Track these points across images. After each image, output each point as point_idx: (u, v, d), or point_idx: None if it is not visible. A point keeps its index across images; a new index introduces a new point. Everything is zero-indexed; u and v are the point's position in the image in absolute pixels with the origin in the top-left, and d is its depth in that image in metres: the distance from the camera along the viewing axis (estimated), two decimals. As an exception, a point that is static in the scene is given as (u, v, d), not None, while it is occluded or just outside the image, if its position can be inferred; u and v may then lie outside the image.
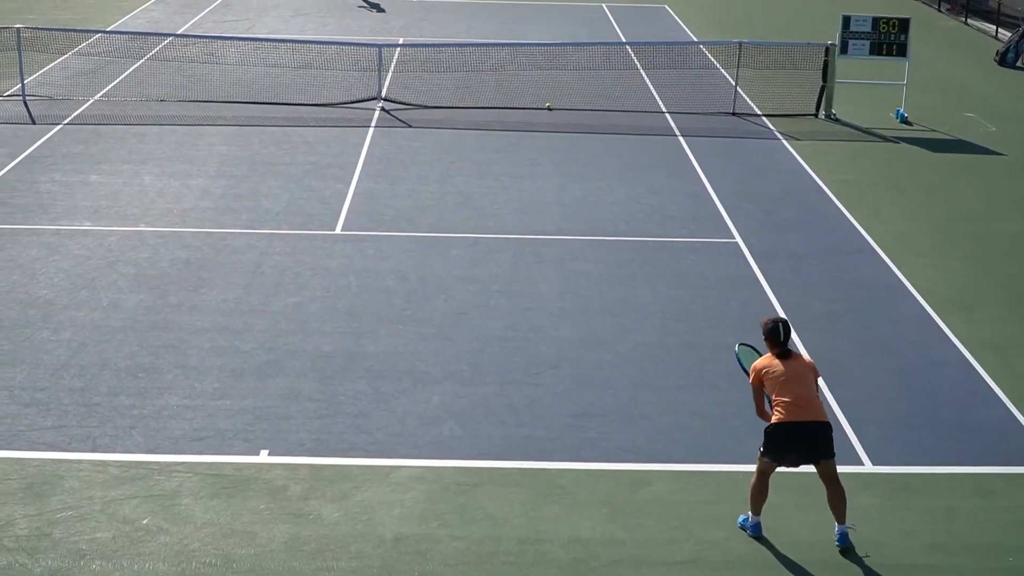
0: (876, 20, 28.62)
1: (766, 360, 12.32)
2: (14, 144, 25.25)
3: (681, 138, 26.81)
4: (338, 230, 20.71)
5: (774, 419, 12.16)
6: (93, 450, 13.81)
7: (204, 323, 17.08)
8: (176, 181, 23.09)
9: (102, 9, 41.56)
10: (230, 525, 12.48)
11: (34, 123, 26.91)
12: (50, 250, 19.55)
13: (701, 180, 23.82)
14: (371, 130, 26.89)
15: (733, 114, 28.87)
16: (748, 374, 12.47)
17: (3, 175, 23.21)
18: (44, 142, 25.45)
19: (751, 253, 20.02)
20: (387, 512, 12.73)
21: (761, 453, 12.33)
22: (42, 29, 33.03)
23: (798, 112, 28.99)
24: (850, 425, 14.65)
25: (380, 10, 42.74)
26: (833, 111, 28.88)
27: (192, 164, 24.17)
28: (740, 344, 13.00)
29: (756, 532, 12.56)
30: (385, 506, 12.84)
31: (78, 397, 14.98)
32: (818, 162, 25.21)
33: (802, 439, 12.13)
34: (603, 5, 44.49)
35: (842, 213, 22.13)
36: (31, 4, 42.28)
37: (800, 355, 12.48)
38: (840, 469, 13.21)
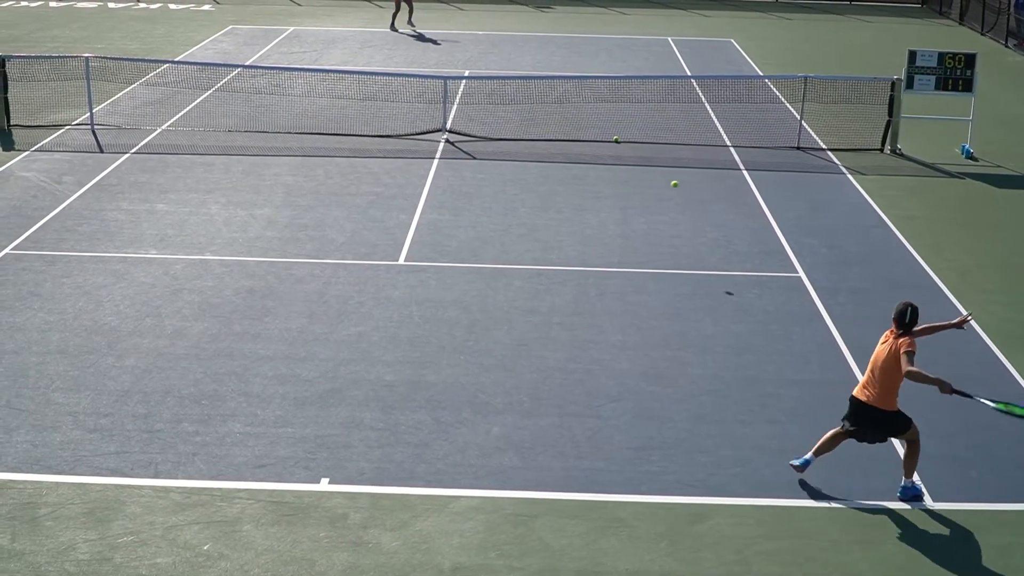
0: (942, 55, 28.48)
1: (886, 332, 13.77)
2: (82, 172, 25.57)
3: (745, 172, 26.78)
4: (401, 260, 20.82)
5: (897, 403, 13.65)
6: (155, 476, 13.95)
7: (267, 351, 17.21)
8: (242, 211, 23.30)
9: (171, 40, 42.03)
10: (290, 552, 12.55)
11: (102, 152, 27.24)
12: (116, 277, 19.77)
13: (765, 214, 23.77)
14: (435, 162, 27.03)
15: (798, 148, 28.80)
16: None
17: (71, 203, 23.51)
18: (112, 171, 25.75)
19: (814, 288, 19.96)
20: (446, 542, 12.77)
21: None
22: (111, 59, 33.43)
23: (863, 147, 28.88)
24: (912, 461, 14.56)
25: (423, 38, 42.96)
26: (898, 146, 28.75)
27: (258, 194, 24.39)
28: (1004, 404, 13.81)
29: (917, 492, 13.82)
30: (444, 536, 12.88)
31: (141, 423, 15.13)
32: (882, 197, 25.10)
33: (855, 412, 13.95)
34: (668, 38, 44.54)
35: (906, 248, 22.02)
36: (100, 34, 42.83)
37: (904, 339, 13.53)
38: (899, 505, 13.24)
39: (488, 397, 16.02)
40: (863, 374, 16.67)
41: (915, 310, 13.54)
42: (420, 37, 43.68)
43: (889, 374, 13.40)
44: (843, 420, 13.96)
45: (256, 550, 12.59)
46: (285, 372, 16.60)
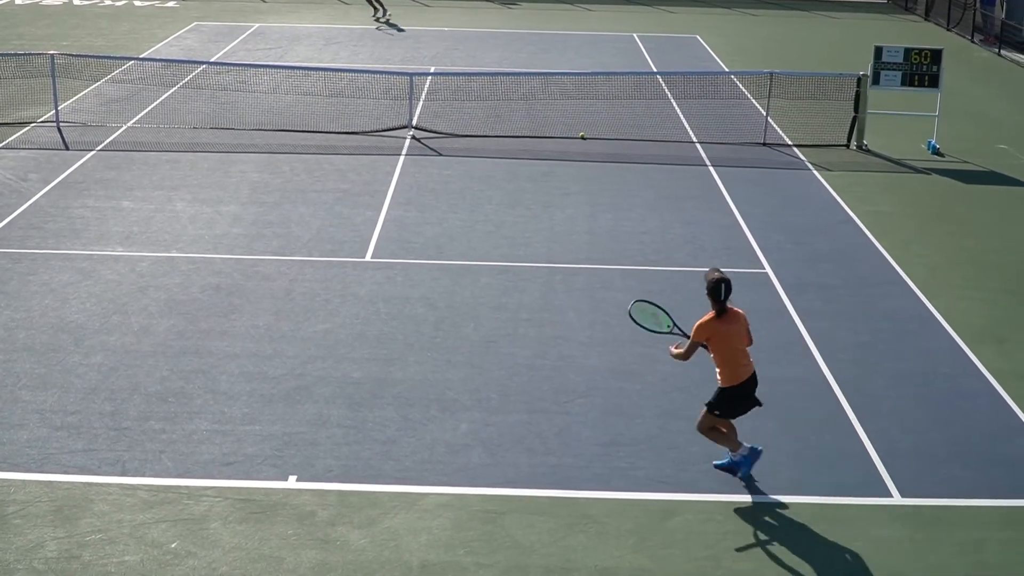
0: (908, 51, 28.58)
1: (711, 321, 13.45)
2: (47, 170, 25.41)
3: (712, 168, 26.80)
4: (368, 258, 20.76)
5: (726, 381, 13.53)
6: (123, 474, 13.86)
7: (234, 349, 17.13)
8: (208, 208, 23.19)
9: (136, 37, 41.85)
10: (258, 550, 12.49)
11: (67, 149, 27.08)
12: (82, 275, 19.65)
13: (732, 210, 23.80)
14: (402, 158, 26.97)
15: (764, 144, 28.85)
16: (651, 330, 13.84)
17: (36, 200, 23.35)
18: (77, 168, 25.61)
19: (781, 284, 19.99)
20: (414, 539, 12.73)
21: (716, 415, 13.60)
22: (76, 56, 33.26)
23: (830, 143, 28.96)
24: (879, 457, 14.58)
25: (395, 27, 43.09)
26: (865, 142, 28.83)
27: (224, 191, 24.28)
28: (636, 301, 13.96)
29: (748, 464, 13.72)
30: (412, 533, 12.84)
31: (108, 421, 15.03)
32: (849, 193, 25.16)
33: (747, 394, 13.63)
34: (634, 35, 44.57)
35: (873, 244, 22.07)
36: (65, 31, 42.61)
37: (735, 311, 13.65)
38: (869, 501, 13.23)
39: (456, 394, 15.98)
40: (829, 371, 16.79)
41: (728, 282, 13.45)
42: (388, 33, 43.60)
43: (744, 345, 13.73)
44: (722, 413, 13.78)
45: (224, 548, 12.52)
46: (252, 369, 16.53)
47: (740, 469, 13.88)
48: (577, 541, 12.79)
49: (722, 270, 13.65)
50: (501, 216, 23.12)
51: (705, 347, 13.55)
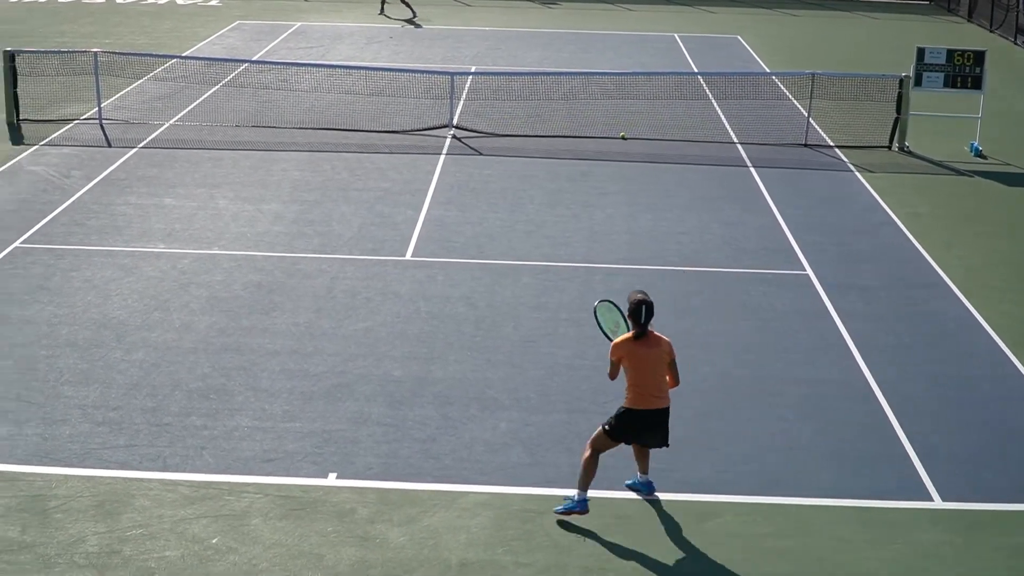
0: (951, 52, 28.45)
1: (627, 341, 12.89)
2: (90, 167, 25.59)
3: (752, 169, 26.76)
4: (408, 256, 20.81)
5: (628, 403, 12.92)
6: (164, 469, 13.95)
7: (275, 346, 17.21)
8: (250, 205, 23.30)
9: (179, 35, 42.07)
10: (297, 547, 12.55)
11: (110, 146, 27.26)
12: (124, 271, 19.78)
13: (772, 211, 23.75)
14: (442, 157, 27.03)
15: (805, 145, 28.77)
16: (605, 333, 13.30)
17: (80, 197, 23.52)
18: (120, 165, 25.77)
19: (822, 285, 19.94)
20: (453, 538, 12.76)
21: (606, 431, 13.02)
22: (119, 54, 33.45)
23: (871, 144, 28.86)
24: (919, 459, 14.53)
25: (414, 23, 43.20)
26: (907, 143, 28.72)
27: (266, 189, 24.39)
28: (601, 300, 13.57)
29: (584, 507, 13.03)
30: (451, 531, 12.87)
31: (150, 417, 15.14)
32: (891, 194, 25.07)
33: (649, 425, 12.95)
34: (675, 35, 44.52)
35: (914, 246, 21.99)
36: (108, 29, 42.86)
37: (658, 336, 13.01)
38: (908, 504, 13.19)
39: (495, 393, 16.01)
40: (869, 373, 16.74)
41: (650, 305, 12.84)
42: (419, 31, 43.69)
43: (663, 376, 12.98)
44: (613, 436, 13.03)
45: (264, 544, 12.59)
46: (293, 367, 16.60)
47: (574, 506, 13.05)
48: (615, 542, 12.79)
49: (646, 293, 12.94)
50: (541, 216, 23.14)
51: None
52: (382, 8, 47.77)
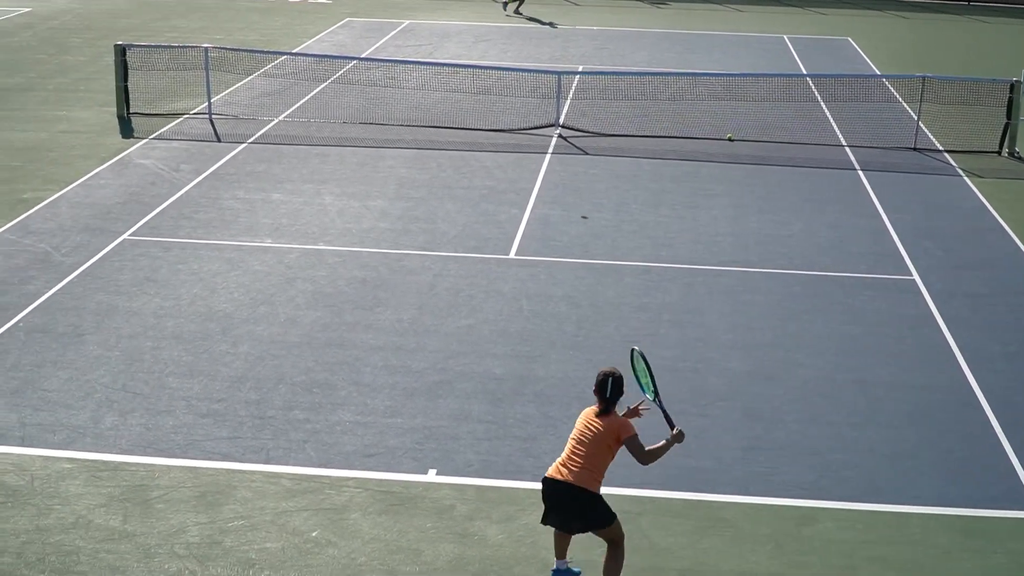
0: (1065, 57, 28.03)
1: (587, 410, 11.61)
2: (200, 161, 25.92)
3: (860, 172, 26.51)
4: (512, 255, 20.86)
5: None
6: (266, 462, 14.11)
7: (378, 342, 17.34)
8: (356, 202, 23.48)
9: (288, 32, 42.47)
10: (396, 542, 12.64)
11: (219, 141, 27.59)
12: (231, 265, 20.02)
13: (880, 215, 23.51)
14: (548, 156, 27.06)
15: (915, 149, 28.45)
16: (637, 380, 11.84)
17: (188, 191, 23.83)
18: (228, 160, 26.08)
19: (928, 291, 19.71)
20: (550, 537, 12.74)
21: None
22: (229, 49, 33.86)
23: (981, 149, 28.47)
24: (1025, 470, 14.37)
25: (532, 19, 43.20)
26: (1017, 149, 28.31)
27: (372, 185, 24.57)
28: (639, 351, 11.91)
29: None
30: (548, 530, 12.84)
31: (253, 410, 15.31)
32: (1000, 200, 24.73)
33: (552, 499, 11.43)
34: (784, 36, 44.21)
35: (1023, 253, 21.66)
36: (219, 24, 43.38)
37: (614, 418, 11.43)
38: (1011, 514, 12.98)
39: (596, 393, 15.99)
40: (975, 381, 16.53)
41: (617, 380, 11.42)
42: (533, 30, 43.72)
43: (602, 456, 11.40)
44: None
45: (364, 538, 12.69)
46: (395, 363, 16.71)
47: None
48: (712, 545, 12.75)
49: (616, 368, 11.59)
50: (645, 216, 23.09)
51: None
52: (518, 7, 47.94)
